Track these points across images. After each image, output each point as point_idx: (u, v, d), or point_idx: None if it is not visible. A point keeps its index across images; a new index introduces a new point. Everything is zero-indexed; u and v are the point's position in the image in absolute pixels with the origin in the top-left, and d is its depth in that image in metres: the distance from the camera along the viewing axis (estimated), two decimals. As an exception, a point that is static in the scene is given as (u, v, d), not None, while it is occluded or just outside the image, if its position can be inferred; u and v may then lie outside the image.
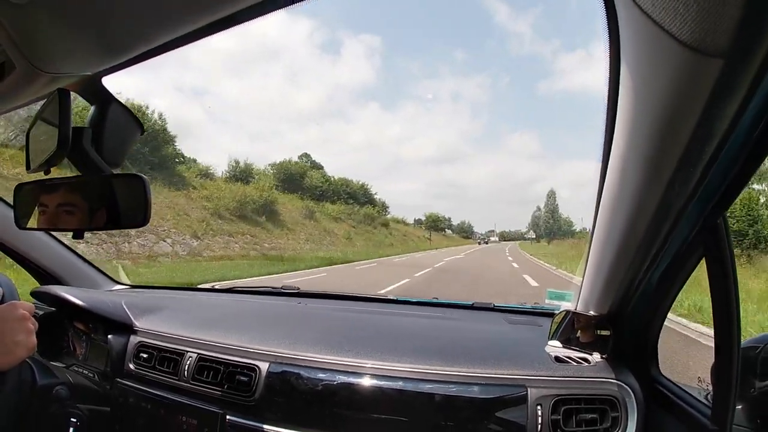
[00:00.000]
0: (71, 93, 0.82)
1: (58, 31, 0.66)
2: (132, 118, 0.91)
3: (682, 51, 0.50)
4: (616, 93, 0.67)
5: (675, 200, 0.74)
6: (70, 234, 0.92)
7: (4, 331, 1.00)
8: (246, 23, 0.69)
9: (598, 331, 1.22)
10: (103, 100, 0.87)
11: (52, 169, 0.88)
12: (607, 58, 0.64)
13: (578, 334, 1.27)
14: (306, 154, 47.65)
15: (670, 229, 0.82)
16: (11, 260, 1.91)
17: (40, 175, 0.91)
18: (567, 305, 1.46)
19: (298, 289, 2.17)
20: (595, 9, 0.59)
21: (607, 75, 0.66)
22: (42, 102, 0.88)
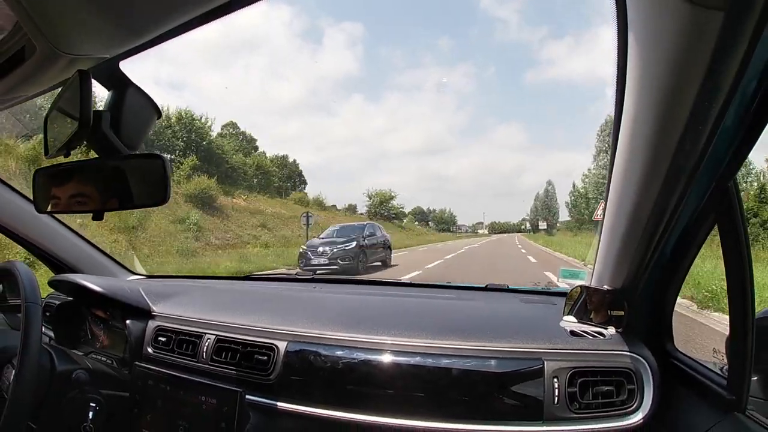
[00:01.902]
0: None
1: (77, 11, 0.67)
2: (149, 103, 0.92)
3: (684, 6, 0.51)
4: (625, 54, 0.68)
5: (686, 162, 0.75)
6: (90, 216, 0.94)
7: None
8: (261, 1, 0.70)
9: (611, 309, 1.23)
10: (121, 84, 0.88)
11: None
12: (615, 19, 0.65)
13: (592, 309, 1.28)
14: (233, 123, 38.45)
15: (682, 194, 0.82)
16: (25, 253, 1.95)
17: (58, 160, 0.93)
18: (580, 283, 1.47)
19: (313, 274, 2.20)
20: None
21: (616, 36, 0.67)
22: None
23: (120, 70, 0.87)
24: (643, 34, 0.62)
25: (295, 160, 44.39)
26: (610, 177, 0.94)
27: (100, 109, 0.85)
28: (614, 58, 0.71)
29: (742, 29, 0.51)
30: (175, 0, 0.67)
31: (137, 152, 0.90)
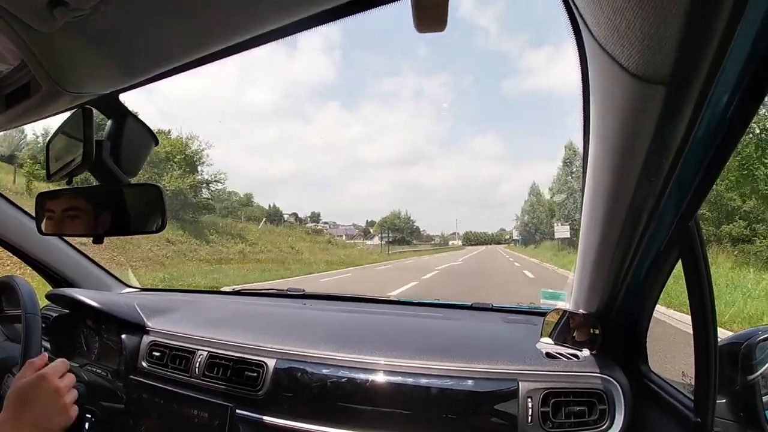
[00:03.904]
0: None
1: (81, 54, 0.73)
2: (146, 131, 0.98)
3: (629, 78, 0.56)
4: (588, 110, 0.75)
5: (644, 206, 0.80)
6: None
7: (39, 406, 0.97)
8: (253, 49, 0.75)
9: (592, 329, 1.28)
10: (120, 114, 0.93)
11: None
12: (579, 78, 0.71)
13: (575, 332, 1.32)
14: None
15: (644, 232, 0.87)
16: (22, 265, 1.99)
17: (59, 184, 0.98)
18: (561, 304, 1.52)
19: (304, 291, 2.23)
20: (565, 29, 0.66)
21: (580, 92, 0.74)
22: (60, 115, 0.95)
23: (119, 101, 0.92)
24: (599, 95, 0.68)
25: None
26: (581, 205, 1.00)
27: (101, 137, 0.90)
28: (580, 107, 0.78)
29: (684, 102, 0.56)
30: (175, 43, 0.72)
31: (135, 181, 0.96)
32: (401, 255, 40.86)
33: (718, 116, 0.59)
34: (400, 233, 72.32)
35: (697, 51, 0.49)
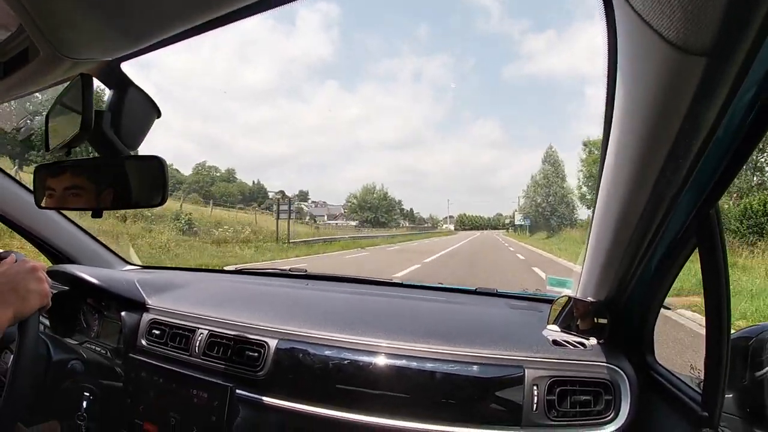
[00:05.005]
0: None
1: (81, 17, 0.69)
2: (149, 102, 0.94)
3: (669, 49, 0.53)
4: (613, 88, 0.71)
5: (666, 191, 0.77)
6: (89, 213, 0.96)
7: (17, 282, 1.07)
8: (261, 13, 0.72)
9: (597, 318, 1.26)
10: (122, 84, 0.90)
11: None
12: (606, 55, 0.67)
13: (578, 320, 1.31)
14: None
15: (663, 218, 0.85)
16: (24, 242, 1.97)
17: (59, 157, 0.95)
18: (567, 291, 1.50)
19: (306, 270, 2.22)
20: (594, 7, 0.62)
21: (606, 71, 0.70)
22: (60, 86, 0.92)
23: (121, 70, 0.89)
24: (630, 71, 0.65)
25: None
26: (597, 190, 0.97)
27: (102, 107, 0.87)
28: (605, 82, 0.74)
29: (724, 76, 0.53)
30: (177, 8, 0.69)
31: (137, 153, 0.93)
32: (324, 248, 22.37)
33: (753, 96, 0.56)
34: (373, 213, 61.47)
35: (742, 20, 0.46)
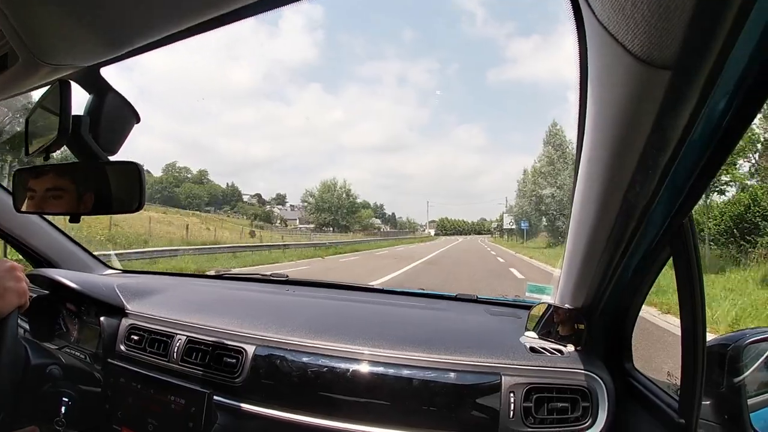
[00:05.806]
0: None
1: (61, 24, 0.69)
2: (128, 107, 0.94)
3: (634, 63, 0.54)
4: (585, 100, 0.72)
5: (637, 201, 0.78)
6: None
7: None
8: (241, 21, 0.72)
9: (576, 325, 1.27)
10: (101, 89, 0.90)
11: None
12: (577, 68, 0.68)
13: (558, 327, 1.32)
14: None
15: (636, 228, 0.86)
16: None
17: (37, 161, 0.94)
18: (546, 298, 1.52)
19: (287, 276, 2.21)
20: (566, 19, 0.63)
21: (578, 83, 0.71)
22: (40, 89, 0.92)
23: (100, 76, 0.89)
24: (599, 84, 0.66)
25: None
26: (572, 200, 0.98)
27: (80, 114, 0.87)
28: (576, 98, 0.75)
29: (689, 89, 0.54)
30: (156, 15, 0.69)
31: (114, 159, 0.93)
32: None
33: (721, 111, 0.57)
34: (331, 214, 53.23)
35: (706, 36, 0.47)
